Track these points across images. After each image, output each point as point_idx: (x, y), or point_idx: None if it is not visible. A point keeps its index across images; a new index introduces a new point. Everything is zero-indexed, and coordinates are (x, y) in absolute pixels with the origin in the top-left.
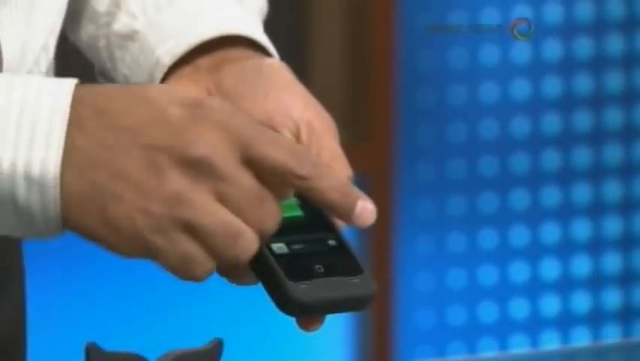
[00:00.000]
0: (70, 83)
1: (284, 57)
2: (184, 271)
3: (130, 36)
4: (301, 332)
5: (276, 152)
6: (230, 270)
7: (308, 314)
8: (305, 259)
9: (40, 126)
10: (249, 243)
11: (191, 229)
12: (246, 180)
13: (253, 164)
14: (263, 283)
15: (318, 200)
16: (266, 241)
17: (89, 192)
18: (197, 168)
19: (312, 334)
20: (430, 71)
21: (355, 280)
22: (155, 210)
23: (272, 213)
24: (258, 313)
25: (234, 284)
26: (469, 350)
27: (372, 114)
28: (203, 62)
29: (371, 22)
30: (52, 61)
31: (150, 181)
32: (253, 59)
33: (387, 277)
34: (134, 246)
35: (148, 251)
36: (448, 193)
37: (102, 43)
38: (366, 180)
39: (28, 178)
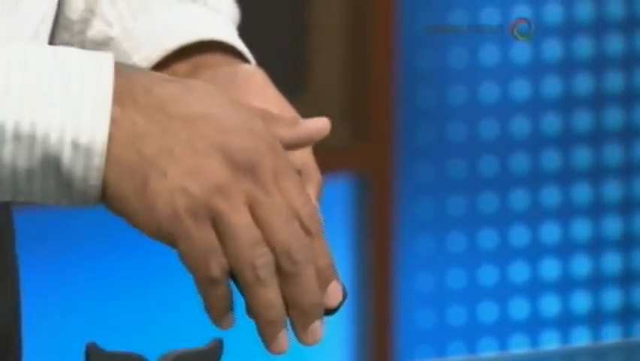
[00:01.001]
0: (108, 57)
1: (284, 57)
2: (202, 263)
3: (104, 42)
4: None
5: (299, 193)
6: None
7: None
8: None
9: (88, 93)
10: (264, 254)
11: (219, 223)
12: (279, 197)
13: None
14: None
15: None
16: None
17: (135, 162)
18: (242, 168)
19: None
20: (430, 71)
21: None
22: (195, 192)
23: (299, 235)
24: None
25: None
26: (469, 350)
27: (372, 114)
28: (180, 67)
29: (371, 22)
30: None
31: (195, 164)
32: (229, 65)
33: (387, 277)
34: (162, 224)
35: (173, 233)
36: (448, 193)
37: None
38: (366, 180)
39: (76, 145)
